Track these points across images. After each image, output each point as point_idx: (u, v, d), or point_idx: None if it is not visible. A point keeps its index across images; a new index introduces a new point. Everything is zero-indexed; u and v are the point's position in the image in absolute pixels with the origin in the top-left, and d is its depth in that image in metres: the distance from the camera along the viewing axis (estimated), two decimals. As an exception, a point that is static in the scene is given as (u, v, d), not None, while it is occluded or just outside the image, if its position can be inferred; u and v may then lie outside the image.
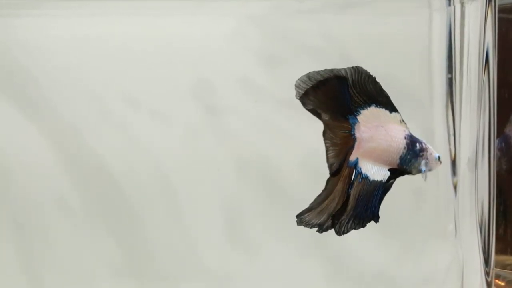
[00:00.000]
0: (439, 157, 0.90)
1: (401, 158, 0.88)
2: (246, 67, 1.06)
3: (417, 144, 0.89)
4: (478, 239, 1.12)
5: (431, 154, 0.89)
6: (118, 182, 1.07)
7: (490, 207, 1.13)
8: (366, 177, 0.87)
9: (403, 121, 0.88)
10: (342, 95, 0.86)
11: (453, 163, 1.10)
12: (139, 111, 1.06)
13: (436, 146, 1.10)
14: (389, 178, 0.89)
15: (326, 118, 0.86)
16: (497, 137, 1.15)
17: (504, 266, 1.30)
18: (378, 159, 0.87)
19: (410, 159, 0.88)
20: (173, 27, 1.05)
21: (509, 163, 1.31)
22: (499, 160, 1.28)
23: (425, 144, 0.89)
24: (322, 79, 0.85)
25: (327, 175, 0.88)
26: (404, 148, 0.88)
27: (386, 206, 1.08)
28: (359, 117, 0.86)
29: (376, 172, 0.87)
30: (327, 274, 1.08)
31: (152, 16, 1.05)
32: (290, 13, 1.06)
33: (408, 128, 0.88)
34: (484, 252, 1.12)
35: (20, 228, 1.08)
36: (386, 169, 0.88)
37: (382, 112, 0.87)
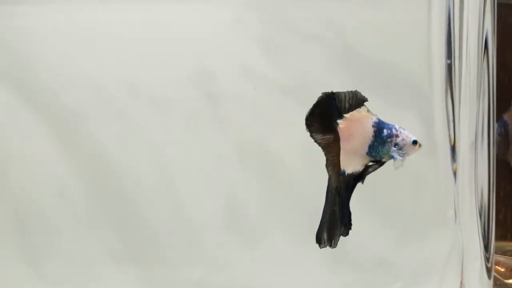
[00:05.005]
0: (415, 141, 0.88)
1: (369, 147, 0.87)
2: (247, 54, 1.06)
3: (384, 130, 0.87)
4: (478, 225, 1.12)
5: (403, 139, 0.87)
6: (118, 170, 1.07)
7: (489, 192, 1.13)
8: (343, 173, 0.87)
9: (369, 110, 0.87)
10: (331, 110, 0.85)
11: (453, 149, 1.10)
12: (139, 98, 1.06)
13: (435, 132, 1.11)
14: (365, 169, 0.88)
15: (318, 138, 0.86)
16: (496, 121, 1.15)
17: (504, 252, 1.30)
18: (357, 153, 0.87)
19: (377, 146, 0.87)
20: (173, 14, 1.05)
21: (505, 149, 1.32)
22: (498, 144, 1.28)
23: (396, 129, 0.87)
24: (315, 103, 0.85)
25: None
26: (372, 136, 0.87)
27: (386, 193, 1.09)
28: (341, 121, 0.86)
29: (355, 166, 0.87)
30: (328, 261, 1.08)
31: (152, 3, 1.05)
32: (291, 0, 1.06)
33: (375, 115, 0.87)
34: (484, 238, 1.13)
35: (20, 216, 1.08)
36: (364, 161, 0.88)
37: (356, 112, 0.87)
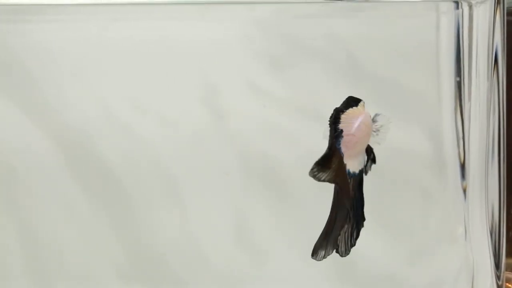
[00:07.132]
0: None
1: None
2: (254, 71, 1.06)
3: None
4: (489, 242, 1.12)
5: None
6: (125, 186, 1.07)
7: (500, 210, 1.12)
8: (354, 174, 0.88)
9: (363, 105, 0.88)
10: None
11: (463, 166, 1.09)
12: (146, 115, 1.06)
13: (445, 149, 1.10)
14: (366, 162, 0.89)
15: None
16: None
17: (515, 270, 1.29)
18: (360, 152, 0.88)
19: (374, 136, 0.88)
20: (180, 31, 1.05)
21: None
22: None
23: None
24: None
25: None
26: (372, 131, 0.88)
27: (396, 210, 1.09)
28: (343, 134, 0.86)
29: (359, 164, 0.88)
30: (336, 277, 1.08)
31: (159, 20, 1.05)
32: (297, 17, 1.06)
33: (367, 110, 0.88)
34: (494, 256, 1.12)
35: (25, 229, 1.08)
36: (363, 156, 0.89)
37: (351, 110, 0.87)
